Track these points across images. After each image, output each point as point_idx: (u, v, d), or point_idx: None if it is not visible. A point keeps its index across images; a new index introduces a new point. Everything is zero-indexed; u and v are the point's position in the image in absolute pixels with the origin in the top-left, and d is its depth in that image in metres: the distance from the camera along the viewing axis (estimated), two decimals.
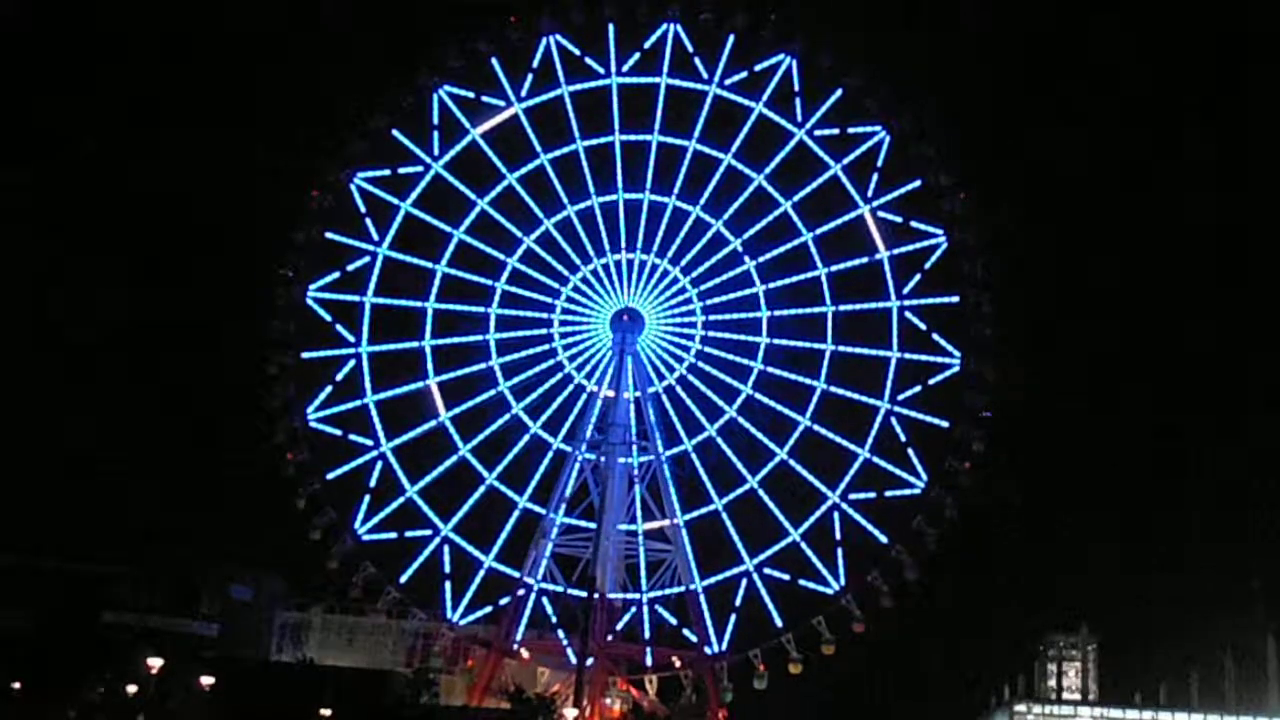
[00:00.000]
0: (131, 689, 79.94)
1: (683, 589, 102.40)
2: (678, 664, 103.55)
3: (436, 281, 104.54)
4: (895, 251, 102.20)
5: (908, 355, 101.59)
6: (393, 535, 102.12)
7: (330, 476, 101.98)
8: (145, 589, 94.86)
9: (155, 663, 76.38)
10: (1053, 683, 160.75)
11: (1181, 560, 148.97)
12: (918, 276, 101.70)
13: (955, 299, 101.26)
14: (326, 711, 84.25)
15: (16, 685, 79.89)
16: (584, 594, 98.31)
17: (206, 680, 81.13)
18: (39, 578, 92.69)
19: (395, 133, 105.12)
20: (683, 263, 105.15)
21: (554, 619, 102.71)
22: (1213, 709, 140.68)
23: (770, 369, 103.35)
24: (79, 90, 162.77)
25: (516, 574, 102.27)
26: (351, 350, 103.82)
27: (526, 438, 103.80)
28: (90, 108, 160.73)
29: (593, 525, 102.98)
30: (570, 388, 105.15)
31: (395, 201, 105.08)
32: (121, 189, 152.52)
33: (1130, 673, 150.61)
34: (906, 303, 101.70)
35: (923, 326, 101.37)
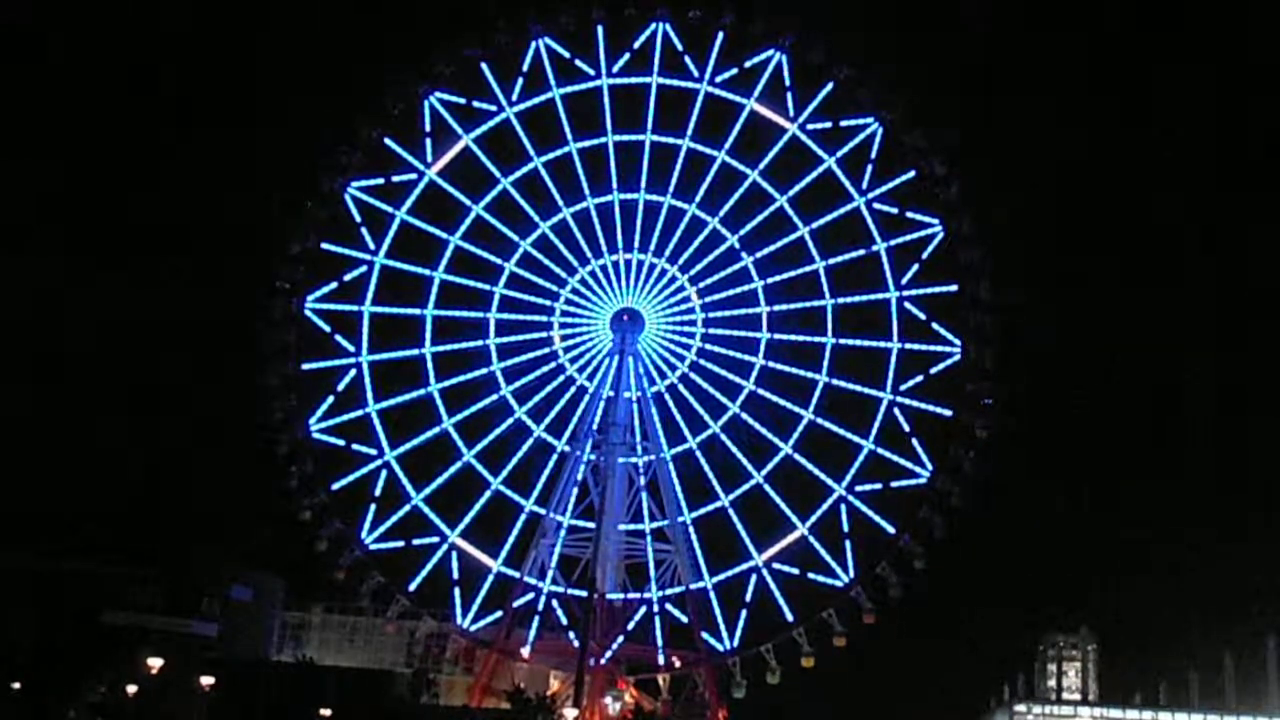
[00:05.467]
0: (131, 689, 79.45)
1: (688, 588, 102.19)
2: (678, 664, 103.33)
3: (435, 288, 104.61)
4: (892, 242, 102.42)
5: (908, 345, 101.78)
6: (400, 543, 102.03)
7: (335, 487, 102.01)
8: (145, 589, 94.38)
9: (155, 663, 76.08)
10: (1053, 683, 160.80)
11: (1181, 560, 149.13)
12: (915, 266, 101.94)
13: (954, 288, 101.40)
14: (326, 711, 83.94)
15: (16, 685, 79.37)
16: (583, 594, 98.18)
17: (206, 680, 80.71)
18: (39, 578, 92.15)
19: (387, 141, 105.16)
20: (680, 261, 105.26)
21: (564, 621, 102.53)
22: (1213, 709, 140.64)
23: (772, 364, 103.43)
24: (78, 91, 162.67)
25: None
26: (352, 360, 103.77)
27: (530, 441, 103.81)
28: (89, 110, 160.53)
29: (592, 525, 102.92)
30: (572, 390, 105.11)
31: (390, 210, 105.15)
32: (120, 194, 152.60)
33: (1130, 673, 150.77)
34: (905, 293, 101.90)
35: (922, 316, 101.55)
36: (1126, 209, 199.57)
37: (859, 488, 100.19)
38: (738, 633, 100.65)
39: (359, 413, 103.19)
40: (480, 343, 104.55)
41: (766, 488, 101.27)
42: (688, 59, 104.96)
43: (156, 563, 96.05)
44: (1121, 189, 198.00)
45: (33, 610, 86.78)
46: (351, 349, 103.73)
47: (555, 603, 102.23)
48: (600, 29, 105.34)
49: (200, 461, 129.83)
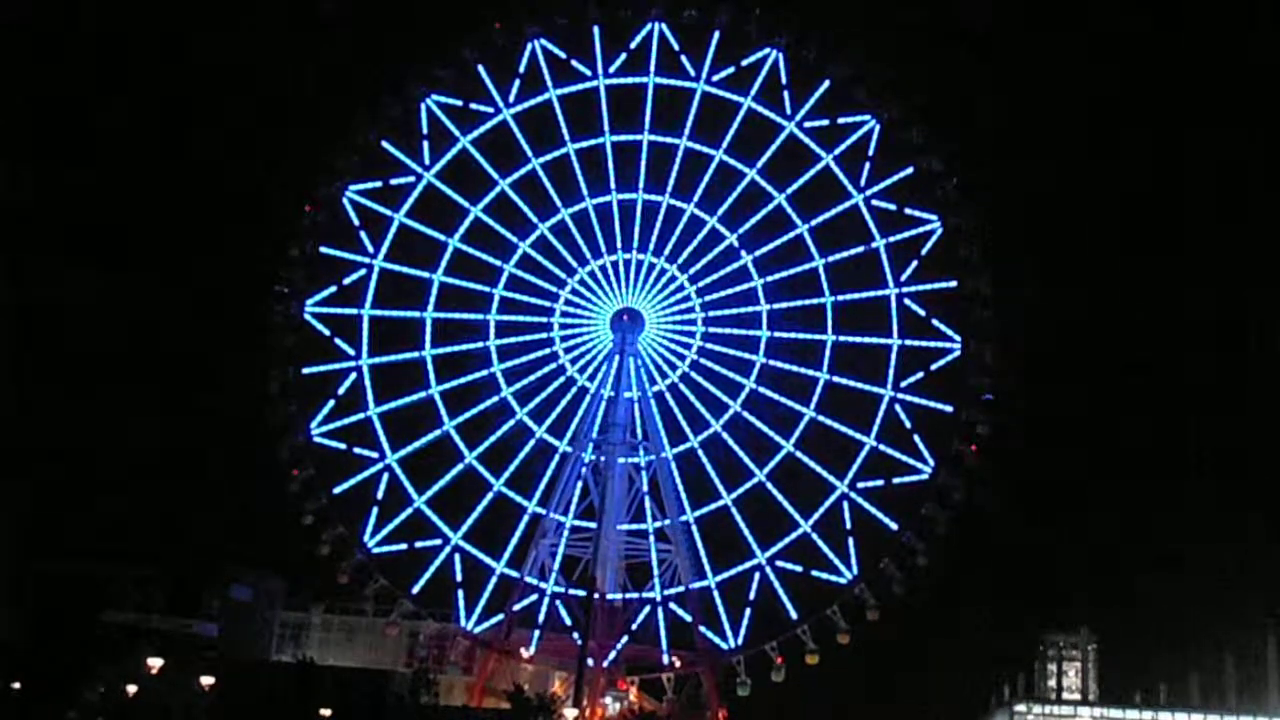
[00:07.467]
0: (131, 689, 79.36)
1: (689, 588, 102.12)
2: (677, 664, 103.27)
3: (434, 291, 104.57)
4: (891, 239, 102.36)
5: (908, 342, 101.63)
6: (402, 546, 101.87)
7: (337, 491, 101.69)
8: (145, 589, 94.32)
9: (155, 663, 76.24)
10: (1053, 683, 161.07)
11: (1181, 560, 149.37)
12: (914, 263, 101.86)
13: (953, 284, 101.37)
14: (326, 711, 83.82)
15: (16, 685, 79.42)
16: (583, 594, 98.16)
17: (206, 680, 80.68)
18: (39, 578, 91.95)
19: (385, 144, 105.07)
20: (679, 260, 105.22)
21: (567, 621, 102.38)
22: (1213, 709, 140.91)
23: (772, 362, 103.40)
24: (76, 92, 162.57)
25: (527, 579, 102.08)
26: (352, 363, 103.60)
27: (532, 442, 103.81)
28: (87, 111, 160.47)
29: (592, 525, 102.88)
30: (574, 390, 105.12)
31: (388, 213, 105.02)
32: (118, 196, 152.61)
33: (1130, 673, 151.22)
34: (905, 289, 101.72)
35: (922, 312, 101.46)
36: (1126, 207, 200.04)
37: (861, 484, 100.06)
38: (742, 631, 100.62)
39: (360, 416, 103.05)
40: (480, 344, 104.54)
41: (768, 485, 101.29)
42: (684, 58, 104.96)
43: (157, 563, 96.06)
44: (1121, 187, 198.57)
45: (32, 610, 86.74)
46: (352, 352, 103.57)
47: (559, 603, 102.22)
48: (596, 29, 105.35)
49: (201, 463, 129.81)
